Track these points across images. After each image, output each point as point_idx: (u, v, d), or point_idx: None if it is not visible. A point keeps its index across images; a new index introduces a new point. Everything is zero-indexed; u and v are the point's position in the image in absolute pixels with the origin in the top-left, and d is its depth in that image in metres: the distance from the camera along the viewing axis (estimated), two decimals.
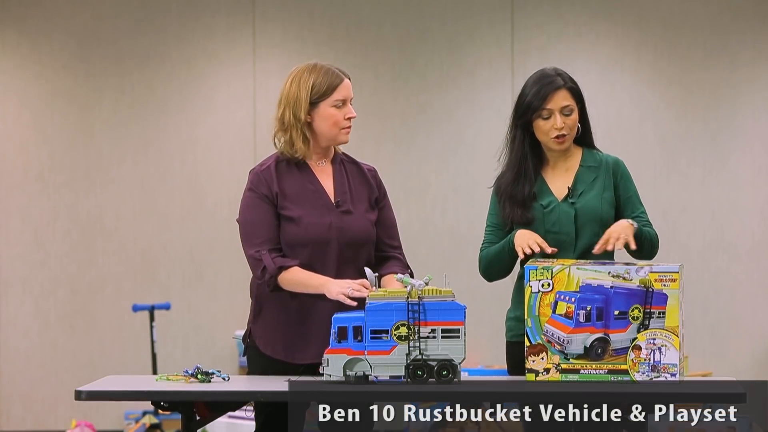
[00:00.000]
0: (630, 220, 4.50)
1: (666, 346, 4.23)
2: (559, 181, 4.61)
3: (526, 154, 4.59)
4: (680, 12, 9.19)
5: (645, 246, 4.52)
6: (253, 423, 4.64)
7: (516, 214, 4.58)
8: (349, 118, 4.56)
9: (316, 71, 4.58)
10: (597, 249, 4.41)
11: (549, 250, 4.44)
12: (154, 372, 8.13)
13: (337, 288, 4.35)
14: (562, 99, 4.54)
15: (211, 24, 9.25)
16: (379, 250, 4.65)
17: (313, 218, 4.53)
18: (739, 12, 9.17)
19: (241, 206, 4.59)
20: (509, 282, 4.70)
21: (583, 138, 4.64)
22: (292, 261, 4.47)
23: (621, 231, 4.42)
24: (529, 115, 4.54)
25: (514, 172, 4.59)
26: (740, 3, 9.17)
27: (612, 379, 4.26)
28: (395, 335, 4.24)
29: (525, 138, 4.59)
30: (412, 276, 4.61)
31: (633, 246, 4.41)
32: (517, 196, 4.58)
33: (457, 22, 9.24)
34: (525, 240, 4.47)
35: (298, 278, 4.45)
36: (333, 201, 4.58)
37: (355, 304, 4.31)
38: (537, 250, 4.43)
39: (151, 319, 8.28)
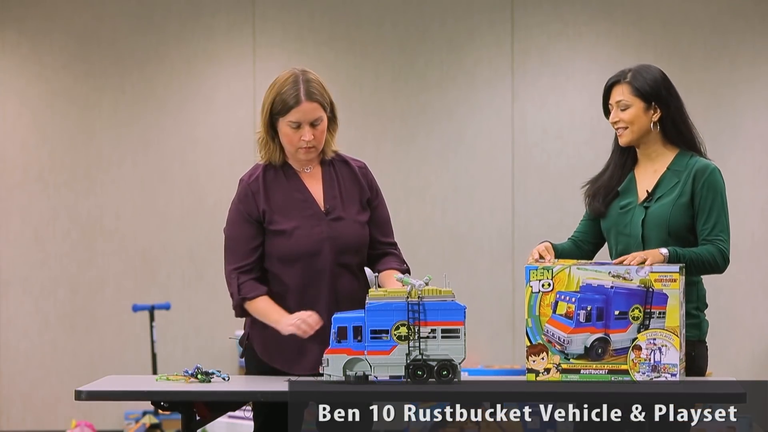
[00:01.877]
0: (665, 250, 4.39)
1: (666, 346, 4.23)
2: (645, 183, 4.59)
3: (615, 147, 4.64)
4: (680, 12, 9.19)
5: (691, 270, 4.42)
6: (253, 423, 4.63)
7: (593, 203, 4.62)
8: (307, 140, 4.49)
9: (283, 86, 4.48)
10: (614, 263, 4.35)
11: (547, 257, 4.46)
12: (154, 372, 8.13)
13: (288, 321, 4.38)
14: (618, 94, 4.56)
15: (211, 24, 9.25)
16: (374, 248, 4.63)
17: (304, 230, 4.50)
18: (739, 12, 9.17)
19: (227, 217, 4.59)
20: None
21: (679, 140, 4.59)
22: (256, 290, 4.49)
23: (644, 254, 4.34)
24: (606, 113, 4.62)
25: (606, 165, 4.68)
26: (740, 3, 9.17)
27: (612, 379, 4.26)
28: (395, 335, 4.23)
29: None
30: (409, 272, 4.61)
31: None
32: (597, 182, 4.64)
33: (457, 22, 9.24)
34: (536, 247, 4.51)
35: (260, 309, 4.49)
36: (322, 208, 4.55)
37: (306, 335, 4.34)
38: (537, 256, 4.44)
39: (151, 319, 8.28)
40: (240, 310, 4.52)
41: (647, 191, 4.56)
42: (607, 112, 4.63)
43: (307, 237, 4.49)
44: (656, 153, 4.60)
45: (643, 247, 4.49)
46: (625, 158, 4.64)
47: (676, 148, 4.59)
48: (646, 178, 4.60)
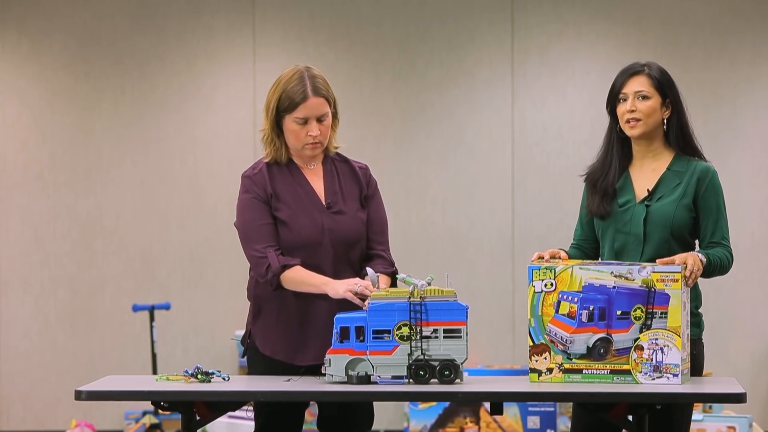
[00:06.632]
0: (702, 255, 4.40)
1: (668, 346, 4.23)
2: (642, 181, 4.58)
3: (613, 143, 4.62)
4: (680, 12, 9.19)
5: (713, 272, 4.44)
6: (253, 423, 4.64)
7: (594, 204, 4.59)
8: (314, 136, 4.52)
9: (289, 83, 4.52)
10: (661, 262, 4.32)
11: (562, 255, 4.47)
12: (154, 372, 8.13)
13: (344, 286, 4.35)
14: (638, 84, 4.57)
15: (211, 24, 9.24)
16: (366, 247, 4.64)
17: (305, 221, 4.53)
18: (739, 12, 9.17)
19: (237, 210, 4.59)
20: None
21: (678, 141, 4.59)
22: (294, 260, 4.47)
23: (694, 263, 4.32)
24: (614, 103, 4.60)
25: (602, 159, 4.64)
26: (740, 3, 9.17)
27: (615, 379, 4.26)
28: (397, 335, 4.24)
29: (615, 126, 4.63)
30: (396, 275, 4.62)
31: (689, 284, 4.33)
32: (598, 184, 4.59)
33: (457, 22, 9.23)
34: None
35: (300, 276, 4.45)
36: (324, 202, 4.58)
37: (363, 304, 4.30)
38: (547, 257, 4.45)
39: (151, 319, 8.28)
40: (277, 282, 4.46)
41: (648, 190, 4.55)
42: (612, 102, 4.63)
43: (307, 227, 4.52)
44: (656, 152, 4.61)
45: (643, 245, 4.49)
46: (612, 153, 4.64)
47: (673, 150, 4.61)
48: (643, 176, 4.60)
